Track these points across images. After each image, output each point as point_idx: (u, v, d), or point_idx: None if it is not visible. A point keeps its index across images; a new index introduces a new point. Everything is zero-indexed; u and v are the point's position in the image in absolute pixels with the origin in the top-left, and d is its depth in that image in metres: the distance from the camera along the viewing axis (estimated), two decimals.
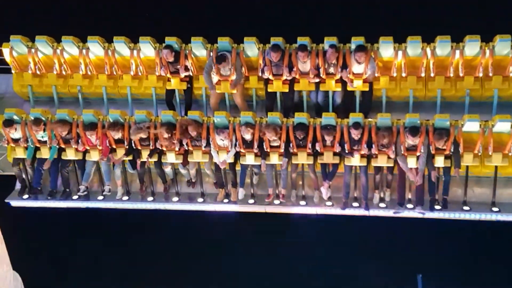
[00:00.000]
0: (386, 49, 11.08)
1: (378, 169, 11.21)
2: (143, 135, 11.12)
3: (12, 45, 11.79)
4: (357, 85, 11.18)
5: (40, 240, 15.28)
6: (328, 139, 10.85)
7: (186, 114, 11.83)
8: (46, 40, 11.63)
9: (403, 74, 11.16)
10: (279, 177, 11.57)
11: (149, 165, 11.64)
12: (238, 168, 11.54)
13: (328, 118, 10.82)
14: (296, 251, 14.87)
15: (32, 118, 11.33)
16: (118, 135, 11.20)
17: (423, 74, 11.15)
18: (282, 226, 14.05)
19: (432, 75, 11.12)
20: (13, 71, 12.19)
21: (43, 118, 11.38)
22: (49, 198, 11.99)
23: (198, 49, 11.44)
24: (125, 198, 12.00)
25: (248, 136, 10.95)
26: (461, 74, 11.02)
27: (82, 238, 15.60)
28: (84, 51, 11.67)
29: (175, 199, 11.94)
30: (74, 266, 15.68)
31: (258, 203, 11.72)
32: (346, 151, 10.85)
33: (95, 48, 11.64)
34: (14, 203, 12.29)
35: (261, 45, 11.38)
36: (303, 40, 11.12)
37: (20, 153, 11.72)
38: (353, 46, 11.02)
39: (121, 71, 11.87)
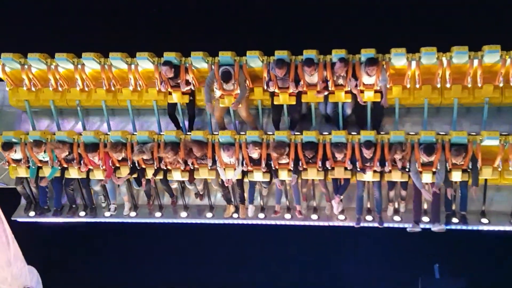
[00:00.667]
0: (399, 60, 10.33)
1: (392, 184, 10.77)
2: (146, 157, 10.70)
3: (4, 62, 11.20)
4: (368, 97, 10.52)
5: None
6: (339, 156, 10.36)
7: (190, 126, 11.36)
8: (39, 57, 11.00)
9: (417, 85, 10.46)
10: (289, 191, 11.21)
11: (154, 183, 11.30)
12: (246, 179, 11.10)
13: (339, 136, 10.26)
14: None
15: (32, 140, 10.90)
16: (121, 155, 10.79)
17: (438, 85, 10.44)
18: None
19: (448, 85, 10.41)
20: (7, 88, 11.63)
21: (43, 140, 10.95)
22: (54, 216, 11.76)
23: (199, 62, 10.77)
24: (133, 214, 11.74)
25: (255, 155, 10.49)
26: (479, 84, 10.31)
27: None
28: (79, 66, 11.04)
29: (184, 214, 11.64)
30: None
31: (267, 218, 11.42)
32: (358, 169, 10.37)
33: (91, 64, 11.02)
34: (21, 219, 12.10)
35: (265, 58, 10.65)
36: (309, 53, 10.38)
37: (22, 173, 11.39)
38: (363, 59, 10.29)
39: (120, 85, 11.28)
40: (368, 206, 11.21)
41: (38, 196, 11.79)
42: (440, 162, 10.10)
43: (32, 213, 11.96)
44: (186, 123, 11.48)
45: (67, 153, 10.89)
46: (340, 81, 10.50)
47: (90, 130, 11.24)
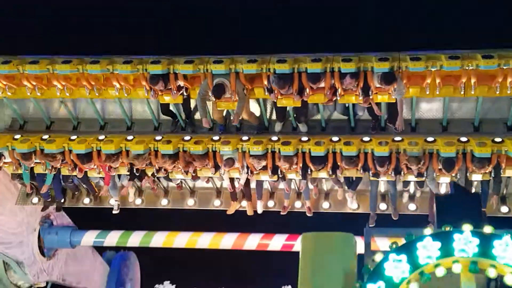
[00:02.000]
0: (417, 69, 8.92)
1: (408, 182, 10.12)
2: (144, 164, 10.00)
3: None
4: (382, 98, 9.31)
5: None
6: (350, 166, 9.57)
7: (187, 118, 10.37)
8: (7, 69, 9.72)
9: (437, 92, 9.19)
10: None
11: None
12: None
13: (350, 152, 9.32)
14: None
15: (20, 153, 10.08)
16: (118, 163, 10.08)
17: (462, 92, 9.16)
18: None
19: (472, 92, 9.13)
20: None
21: (32, 150, 10.10)
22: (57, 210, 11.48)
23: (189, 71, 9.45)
24: (138, 202, 11.40)
25: (260, 166, 9.74)
26: (508, 91, 9.01)
27: None
28: (54, 73, 9.76)
29: (191, 202, 11.26)
30: None
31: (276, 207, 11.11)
32: (371, 174, 9.65)
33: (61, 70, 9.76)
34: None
35: (264, 65, 9.26)
36: (313, 67, 8.98)
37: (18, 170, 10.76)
38: (376, 70, 8.91)
39: (104, 85, 10.05)
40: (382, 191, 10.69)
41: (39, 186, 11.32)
42: (460, 171, 9.31)
43: (35, 199, 11.66)
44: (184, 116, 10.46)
45: (59, 163, 10.16)
46: (350, 87, 9.23)
47: (81, 137, 10.23)
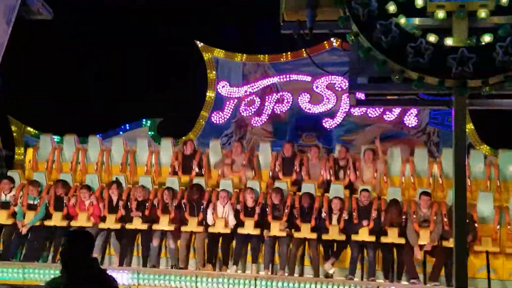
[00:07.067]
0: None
1: (388, 250, 10.29)
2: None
3: None
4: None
5: None
6: (336, 208, 10.44)
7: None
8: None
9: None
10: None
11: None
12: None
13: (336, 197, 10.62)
14: None
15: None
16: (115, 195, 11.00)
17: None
18: None
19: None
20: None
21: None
22: None
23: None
24: None
25: (250, 203, 10.58)
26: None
27: None
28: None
29: None
30: None
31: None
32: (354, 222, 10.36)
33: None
34: None
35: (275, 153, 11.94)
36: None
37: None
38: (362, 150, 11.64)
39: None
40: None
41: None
42: (437, 216, 10.09)
43: None
44: None
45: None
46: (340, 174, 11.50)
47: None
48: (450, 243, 9.38)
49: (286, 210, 10.46)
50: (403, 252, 10.08)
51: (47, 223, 10.79)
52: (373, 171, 11.32)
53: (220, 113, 15.04)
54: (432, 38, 5.88)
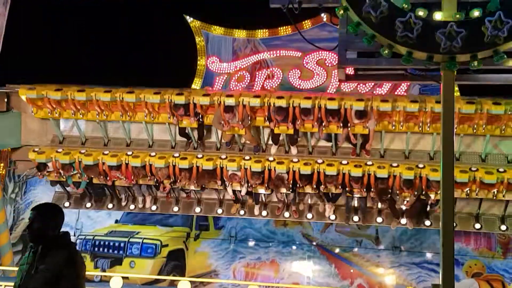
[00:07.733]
0: (385, 109, 11.46)
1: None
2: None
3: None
4: (358, 130, 11.77)
5: None
6: (331, 182, 11.98)
7: (199, 139, 12.76)
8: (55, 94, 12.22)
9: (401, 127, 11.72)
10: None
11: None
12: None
13: (331, 172, 11.74)
14: None
15: (62, 163, 12.44)
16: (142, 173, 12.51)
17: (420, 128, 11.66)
18: None
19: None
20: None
21: (72, 164, 12.47)
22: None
23: (205, 102, 11.90)
24: (154, 208, 13.56)
25: (258, 181, 12.16)
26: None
27: None
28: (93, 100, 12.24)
29: (198, 209, 13.50)
30: None
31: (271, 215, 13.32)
32: (347, 191, 12.16)
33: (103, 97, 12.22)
34: None
35: (267, 99, 11.77)
36: (305, 103, 11.50)
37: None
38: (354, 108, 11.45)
39: (134, 111, 12.48)
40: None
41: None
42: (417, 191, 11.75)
43: (67, 204, 13.78)
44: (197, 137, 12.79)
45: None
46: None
47: (112, 151, 12.68)
48: None
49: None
50: None
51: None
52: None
53: (210, 88, 15.04)
54: (421, 12, 5.89)
